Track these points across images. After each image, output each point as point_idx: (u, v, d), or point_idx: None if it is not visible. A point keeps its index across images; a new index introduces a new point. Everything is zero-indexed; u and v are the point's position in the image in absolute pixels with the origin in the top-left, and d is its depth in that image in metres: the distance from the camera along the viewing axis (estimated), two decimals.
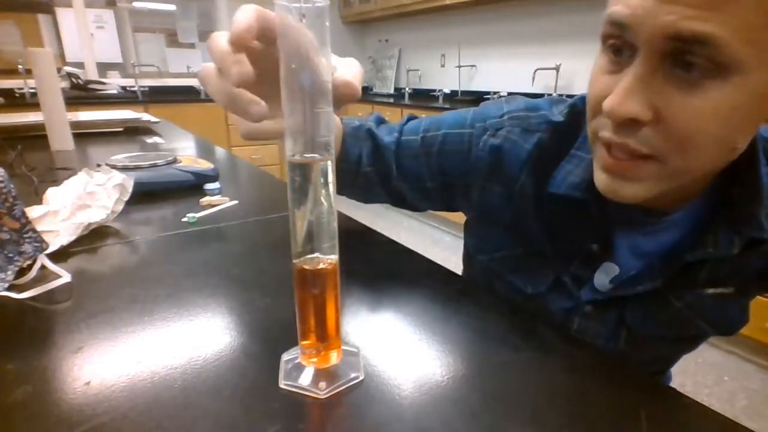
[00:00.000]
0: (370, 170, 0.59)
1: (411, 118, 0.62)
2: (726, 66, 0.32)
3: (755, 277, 0.48)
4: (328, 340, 0.32)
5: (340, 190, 0.60)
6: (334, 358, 0.33)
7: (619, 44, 0.36)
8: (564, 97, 0.56)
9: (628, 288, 0.49)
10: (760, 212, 0.42)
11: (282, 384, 0.32)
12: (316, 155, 0.28)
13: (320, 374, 0.32)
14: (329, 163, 0.28)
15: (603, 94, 0.37)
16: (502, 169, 0.53)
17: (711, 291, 0.48)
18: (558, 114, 0.52)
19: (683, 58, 0.33)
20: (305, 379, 0.32)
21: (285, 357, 0.34)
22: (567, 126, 0.51)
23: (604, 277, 0.51)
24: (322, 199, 0.29)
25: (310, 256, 0.30)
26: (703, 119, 0.34)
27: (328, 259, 0.31)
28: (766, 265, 0.47)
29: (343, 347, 0.34)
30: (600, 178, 0.41)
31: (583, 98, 0.53)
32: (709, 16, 0.30)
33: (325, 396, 0.31)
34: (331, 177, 0.29)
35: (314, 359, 0.33)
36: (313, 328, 0.32)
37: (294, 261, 0.30)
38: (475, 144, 0.55)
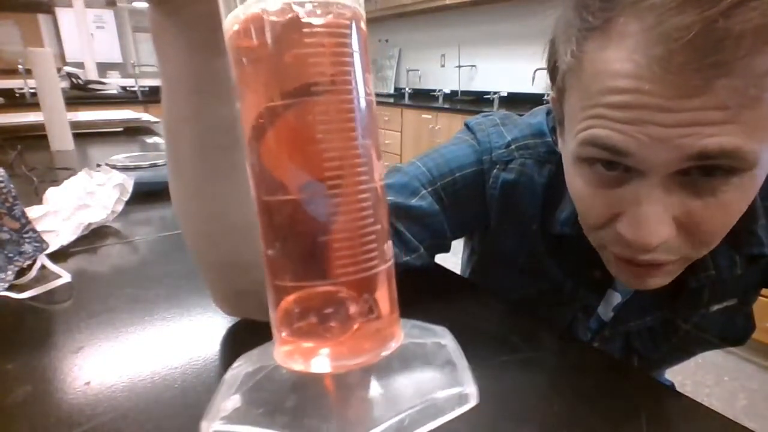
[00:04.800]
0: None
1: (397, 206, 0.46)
2: (748, 166, 0.30)
3: (755, 287, 0.49)
4: None
5: None
6: None
7: (612, 162, 0.33)
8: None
9: (633, 318, 0.49)
10: (757, 228, 0.42)
11: None
12: None
13: None
14: None
15: (605, 212, 0.35)
16: (517, 206, 0.49)
17: (716, 307, 0.48)
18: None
19: (705, 168, 0.30)
20: None
21: None
22: None
23: (607, 307, 0.50)
24: None
25: None
26: (726, 217, 0.33)
27: None
28: (765, 278, 0.47)
29: None
30: (619, 275, 0.39)
31: None
32: (732, 129, 0.27)
33: None
34: None
35: None
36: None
37: None
38: (486, 181, 0.49)
